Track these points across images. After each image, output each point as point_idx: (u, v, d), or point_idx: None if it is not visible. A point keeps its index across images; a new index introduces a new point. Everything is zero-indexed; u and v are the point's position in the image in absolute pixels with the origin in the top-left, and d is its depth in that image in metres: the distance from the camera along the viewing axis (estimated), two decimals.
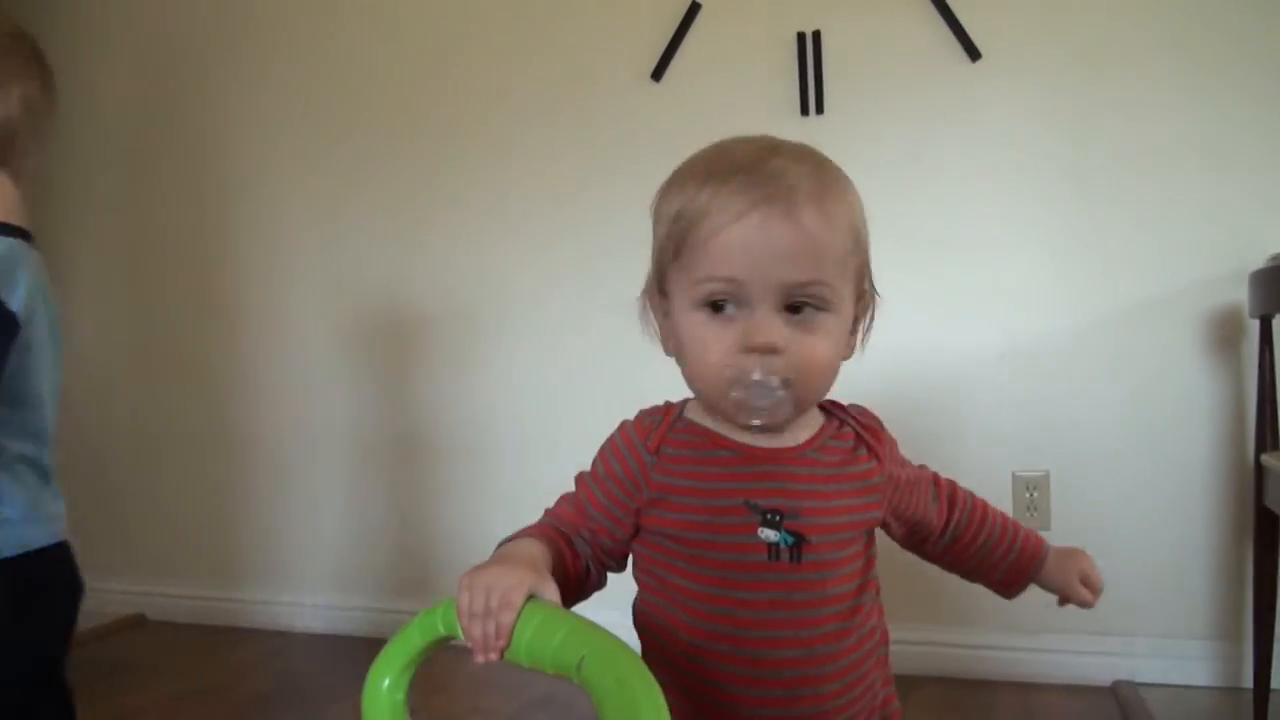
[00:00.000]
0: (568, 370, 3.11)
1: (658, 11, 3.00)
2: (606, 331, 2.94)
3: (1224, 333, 2.63)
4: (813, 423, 1.07)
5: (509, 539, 1.10)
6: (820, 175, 1.01)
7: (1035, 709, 2.60)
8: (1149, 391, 2.69)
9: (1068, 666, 2.74)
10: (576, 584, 1.10)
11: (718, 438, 1.07)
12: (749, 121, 2.85)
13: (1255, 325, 2.44)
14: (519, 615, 0.92)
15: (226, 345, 3.51)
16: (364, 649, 3.17)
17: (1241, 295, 2.54)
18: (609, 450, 1.12)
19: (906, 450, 2.51)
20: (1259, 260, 2.49)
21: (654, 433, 1.10)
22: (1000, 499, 2.71)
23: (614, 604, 1.21)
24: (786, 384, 0.98)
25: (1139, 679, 2.69)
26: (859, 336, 1.03)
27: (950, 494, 1.21)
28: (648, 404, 1.18)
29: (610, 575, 1.16)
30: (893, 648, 2.97)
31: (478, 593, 0.94)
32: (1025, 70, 2.75)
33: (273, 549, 3.47)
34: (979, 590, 2.81)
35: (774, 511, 1.01)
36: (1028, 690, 2.71)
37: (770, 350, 0.97)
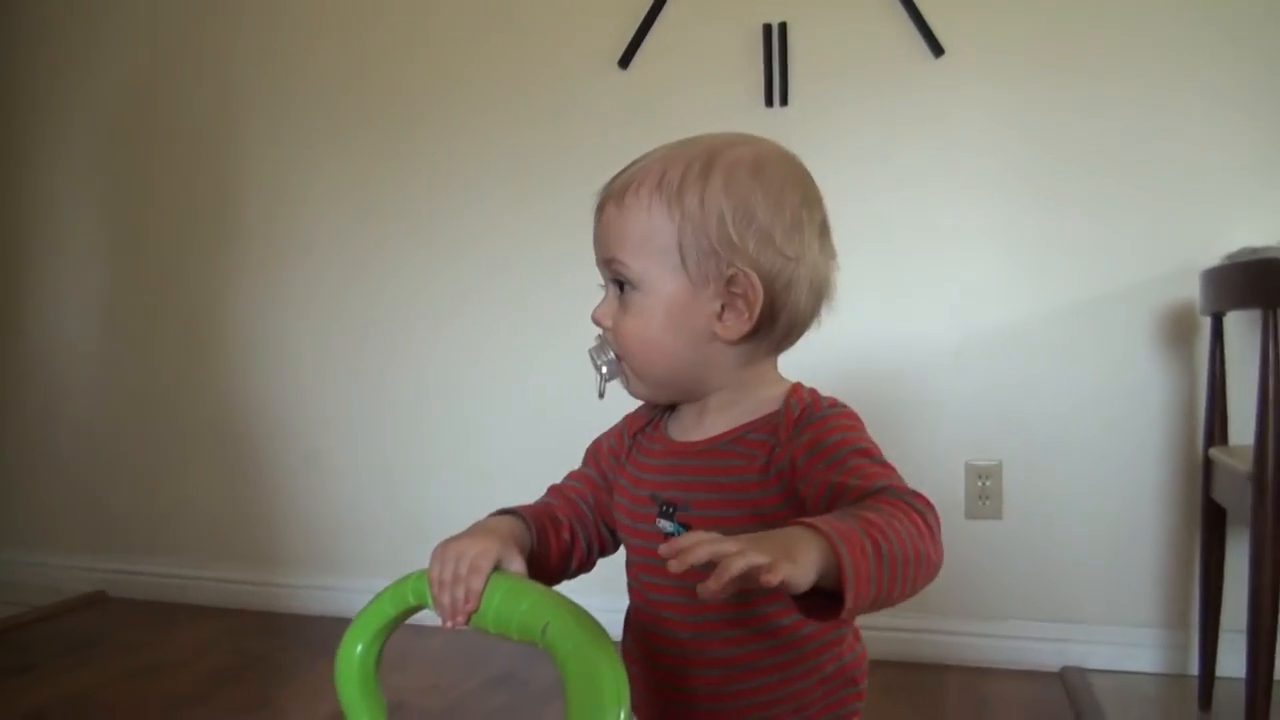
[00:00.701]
0: (519, 346, 3.16)
1: None
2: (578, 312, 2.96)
3: (1176, 329, 2.68)
4: (741, 414, 1.08)
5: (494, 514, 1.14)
6: (664, 168, 1.05)
7: (985, 693, 2.65)
8: (1102, 385, 2.74)
9: (1018, 652, 2.79)
10: (560, 560, 1.15)
11: (660, 432, 1.14)
12: (714, 111, 2.90)
13: (1207, 322, 2.49)
14: (487, 582, 0.97)
15: (184, 328, 3.52)
16: (319, 627, 3.20)
17: (1194, 293, 2.58)
18: (611, 429, 1.21)
19: None
20: (1212, 259, 2.55)
21: (639, 422, 1.18)
22: (954, 487, 2.80)
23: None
24: (618, 358, 1.07)
25: (1087, 665, 2.74)
26: (736, 318, 1.03)
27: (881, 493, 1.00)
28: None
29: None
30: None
31: (448, 561, 1.00)
32: (987, 67, 2.79)
33: (230, 528, 3.48)
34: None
35: (669, 503, 1.07)
36: (978, 675, 2.77)
37: (597, 323, 1.08)
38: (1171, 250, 2.68)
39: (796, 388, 1.10)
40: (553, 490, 1.23)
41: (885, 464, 1.00)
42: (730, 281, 1.02)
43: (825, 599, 0.82)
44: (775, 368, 1.13)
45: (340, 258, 3.33)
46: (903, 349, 2.87)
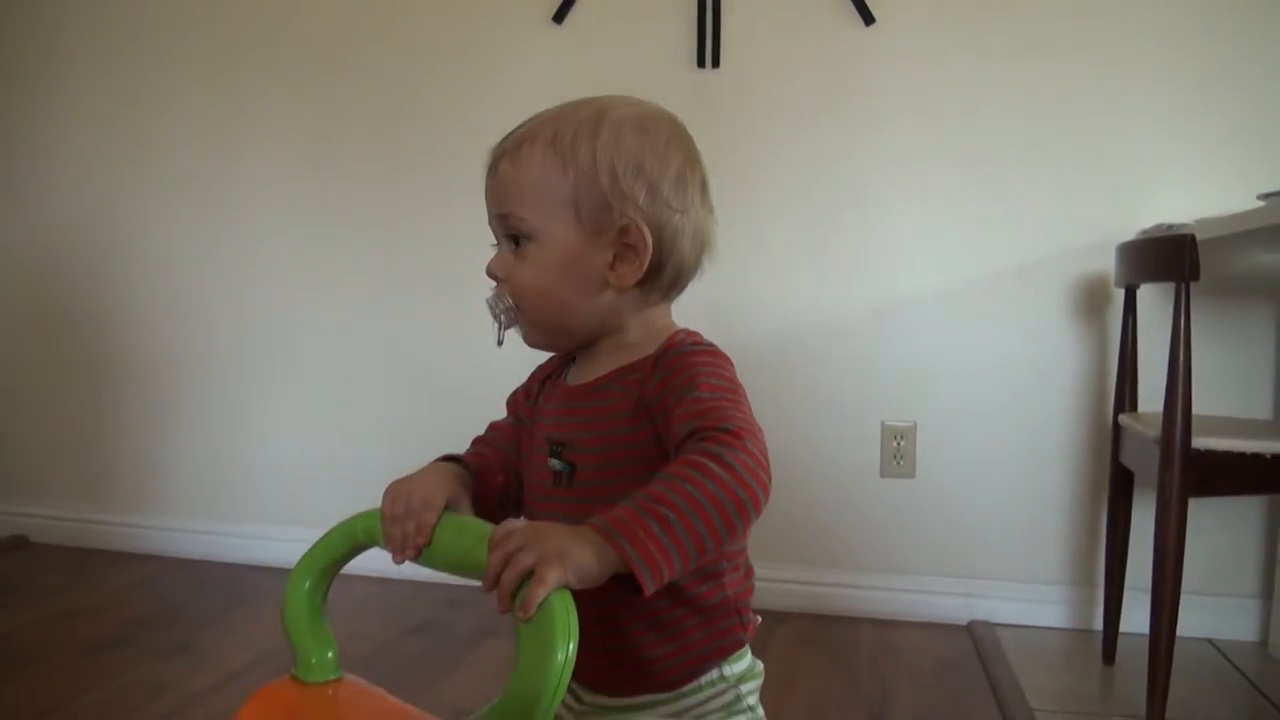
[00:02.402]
0: (459, 302, 3.15)
1: None
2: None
3: (1090, 300, 2.77)
4: (622, 357, 1.12)
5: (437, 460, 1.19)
6: (556, 125, 1.09)
7: (895, 644, 2.74)
8: (1017, 351, 2.83)
9: (927, 606, 2.89)
10: (498, 505, 1.18)
11: (561, 378, 1.19)
12: (646, 69, 2.93)
13: (1120, 294, 2.59)
14: (439, 517, 1.01)
15: (105, 274, 3.47)
16: (238, 575, 3.20)
17: (1107, 265, 2.67)
18: (528, 378, 1.25)
19: (781, 396, 2.63)
20: (1127, 233, 2.64)
21: (548, 369, 1.22)
22: (870, 447, 2.88)
23: None
24: (516, 308, 1.10)
25: (994, 619, 2.85)
26: (628, 267, 1.07)
27: (687, 447, 1.00)
28: None
29: None
30: (760, 584, 3.12)
31: (399, 498, 1.04)
32: (915, 39, 2.84)
33: (150, 475, 3.46)
34: (844, 532, 2.95)
35: (558, 443, 1.11)
36: (889, 627, 2.86)
37: (492, 276, 1.11)
38: (1088, 223, 2.77)
39: (675, 332, 1.14)
40: (479, 441, 1.26)
41: (713, 401, 1.01)
42: (622, 232, 1.06)
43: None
44: (667, 314, 1.17)
45: (256, 205, 3.32)
46: (825, 311, 2.93)
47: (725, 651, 1.11)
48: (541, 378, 1.22)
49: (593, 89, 3.13)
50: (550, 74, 3.02)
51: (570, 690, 1.13)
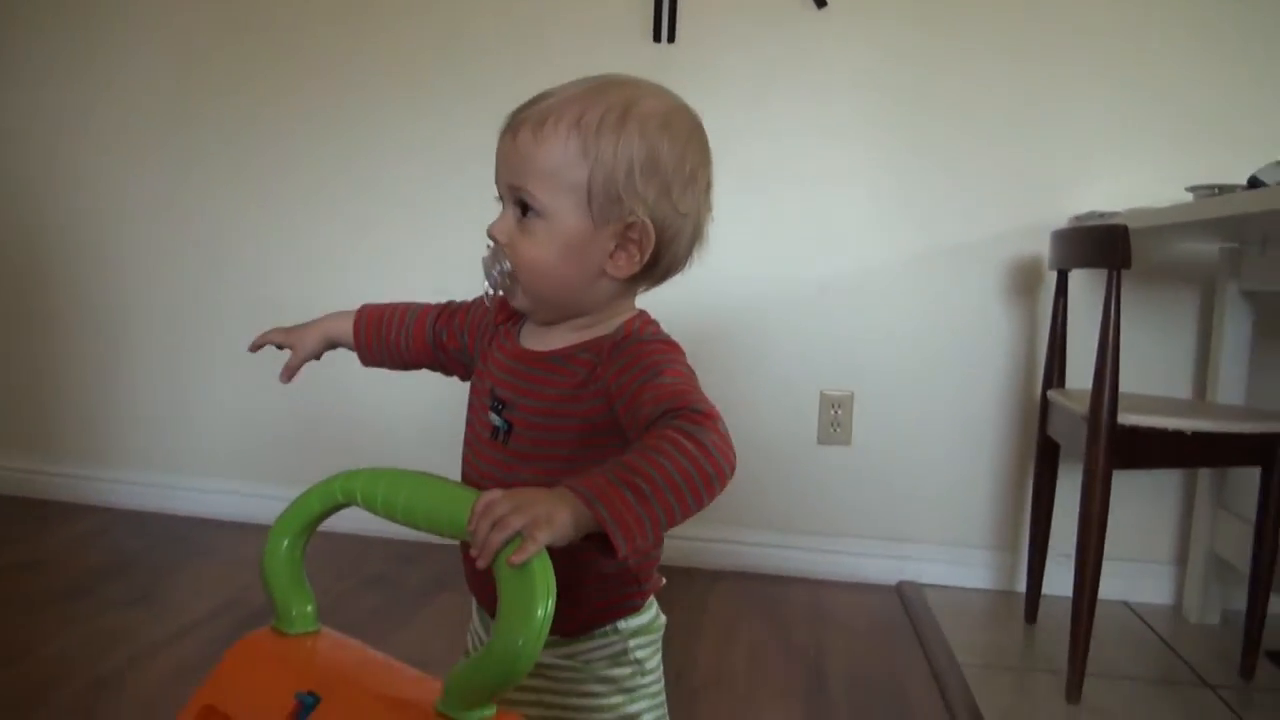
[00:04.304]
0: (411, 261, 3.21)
1: None
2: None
3: (1023, 281, 2.91)
4: (580, 335, 1.17)
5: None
6: (583, 108, 1.11)
7: (827, 603, 2.87)
8: (952, 328, 2.96)
9: (857, 567, 3.03)
10: (397, 346, 1.39)
11: (514, 334, 1.24)
12: (603, 42, 3.01)
13: (1053, 277, 2.72)
14: (422, 483, 1.04)
15: (48, 225, 3.45)
16: (189, 527, 3.23)
17: (1040, 248, 2.82)
18: (487, 297, 1.27)
19: (725, 364, 2.74)
20: (1060, 219, 2.79)
21: (505, 314, 1.26)
22: (808, 414, 3.00)
23: None
24: (512, 275, 1.13)
25: (922, 580, 3.00)
26: (627, 259, 1.12)
27: (660, 423, 1.06)
28: None
29: None
30: (697, 545, 3.21)
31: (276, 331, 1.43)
32: (865, 23, 2.94)
33: (98, 427, 3.48)
34: (781, 495, 3.07)
35: (500, 400, 1.18)
36: (820, 586, 2.99)
37: (493, 239, 1.13)
38: (1023, 208, 2.90)
39: (634, 317, 1.18)
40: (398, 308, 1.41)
41: (679, 386, 1.06)
42: (629, 227, 1.10)
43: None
44: (634, 298, 1.21)
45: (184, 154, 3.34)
46: (768, 283, 3.04)
47: (620, 613, 1.18)
48: (500, 320, 1.26)
49: (549, 60, 3.21)
50: (506, 46, 3.07)
51: (482, 620, 1.25)
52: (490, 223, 1.14)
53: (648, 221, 1.10)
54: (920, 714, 2.21)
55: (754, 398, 3.04)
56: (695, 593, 2.89)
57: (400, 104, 3.16)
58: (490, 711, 0.88)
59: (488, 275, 1.14)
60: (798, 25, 2.95)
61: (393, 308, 1.41)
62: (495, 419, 1.18)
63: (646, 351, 1.11)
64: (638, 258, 1.11)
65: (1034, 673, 2.47)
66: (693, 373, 1.10)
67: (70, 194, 3.42)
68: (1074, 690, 2.26)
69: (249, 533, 3.11)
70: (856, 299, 3.00)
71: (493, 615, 1.17)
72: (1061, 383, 2.67)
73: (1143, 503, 2.88)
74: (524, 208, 1.11)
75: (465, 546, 1.12)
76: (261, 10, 3.26)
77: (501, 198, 1.15)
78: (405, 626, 2.52)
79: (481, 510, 0.90)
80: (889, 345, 3.00)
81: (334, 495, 1.06)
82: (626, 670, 1.19)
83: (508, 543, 0.88)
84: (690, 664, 2.41)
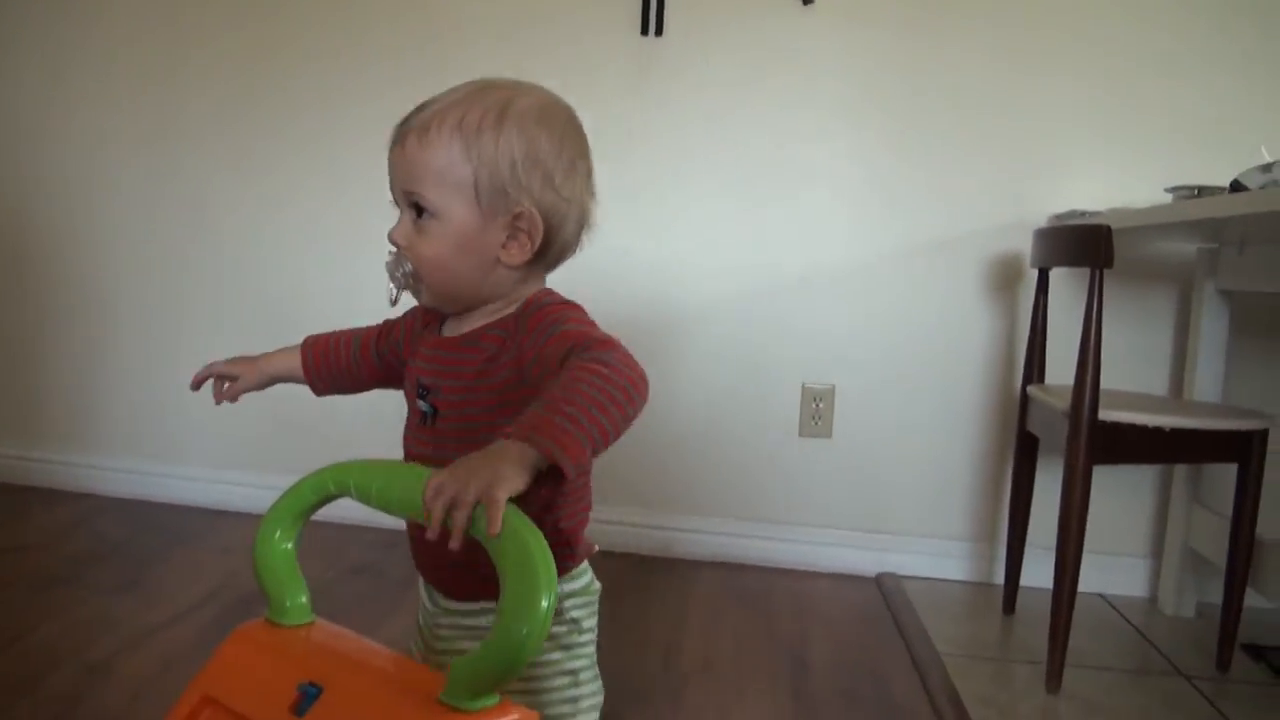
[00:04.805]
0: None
1: None
2: None
3: (1004, 277, 2.96)
4: (490, 317, 1.24)
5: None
6: (463, 111, 1.18)
7: (808, 593, 2.91)
8: (933, 321, 3.01)
9: (838, 558, 3.07)
10: (349, 371, 1.46)
11: (435, 327, 1.31)
12: (591, 34, 3.05)
13: (1032, 274, 2.77)
14: (426, 479, 1.06)
15: (37, 211, 3.45)
16: (174, 515, 3.23)
17: (1021, 245, 2.87)
18: (407, 314, 1.39)
19: (708, 355, 2.77)
20: (1040, 217, 2.85)
21: (427, 317, 1.34)
22: (790, 407, 3.04)
23: None
24: (415, 275, 1.20)
25: (901, 572, 3.04)
26: (518, 247, 1.19)
27: (569, 363, 1.12)
28: None
29: None
30: (680, 535, 3.25)
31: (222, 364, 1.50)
32: (851, 18, 2.96)
33: (82, 413, 3.48)
34: (762, 487, 3.11)
35: (425, 387, 1.26)
36: (800, 577, 3.04)
37: (394, 243, 1.21)
38: (1003, 205, 2.95)
39: (535, 292, 1.25)
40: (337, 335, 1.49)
41: (580, 329, 1.15)
42: (516, 217, 1.18)
43: (555, 471, 0.99)
44: (543, 282, 1.29)
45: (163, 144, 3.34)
46: (751, 275, 3.07)
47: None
48: (423, 324, 1.34)
49: (538, 53, 3.23)
50: (496, 34, 3.09)
51: (428, 593, 1.30)
52: (389, 230, 1.20)
53: (534, 210, 1.18)
54: (902, 703, 2.25)
55: (736, 390, 3.08)
56: (678, 582, 2.93)
57: (389, 96, 3.08)
58: (493, 701, 0.90)
59: (392, 278, 1.21)
60: (784, 20, 2.98)
61: (336, 337, 1.49)
62: (423, 405, 1.25)
63: (548, 314, 1.19)
64: (528, 245, 1.19)
65: (1013, 663, 2.51)
66: (593, 323, 1.18)
67: (55, 180, 3.42)
68: (1054, 680, 2.31)
69: (233, 520, 3.15)
70: (839, 293, 3.04)
71: (443, 593, 1.27)
72: (1041, 378, 2.71)
73: (1119, 497, 2.93)
74: (419, 210, 1.18)
75: (413, 527, 1.21)
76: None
77: (397, 204, 1.22)
78: (392, 615, 2.54)
79: (432, 495, 0.94)
80: (870, 339, 3.04)
81: (326, 487, 1.09)
82: (563, 628, 1.24)
83: (471, 519, 0.91)
84: (677, 651, 2.45)
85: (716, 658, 2.43)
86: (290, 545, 1.11)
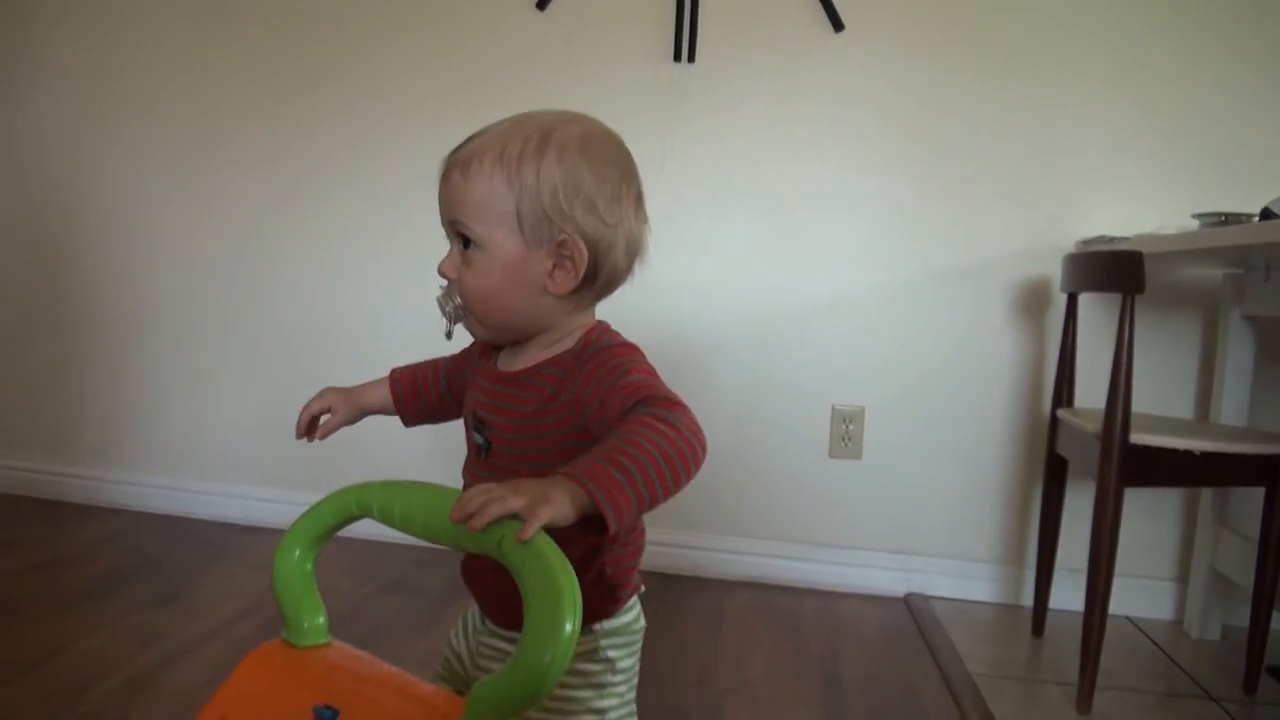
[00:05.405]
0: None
1: None
2: None
3: (1031, 301, 2.99)
4: (546, 352, 1.26)
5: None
6: (504, 143, 1.21)
7: (838, 613, 2.94)
8: (962, 346, 3.04)
9: (867, 579, 3.10)
10: (440, 402, 1.48)
11: (492, 360, 1.33)
12: (625, 60, 3.09)
13: (1063, 298, 2.80)
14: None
15: (77, 227, 3.50)
16: (208, 531, 3.27)
17: (1049, 269, 2.91)
18: (469, 346, 1.42)
19: (738, 378, 2.80)
20: (1068, 242, 2.88)
21: (487, 349, 1.35)
22: (819, 428, 3.06)
23: None
24: (464, 308, 1.23)
25: (930, 593, 3.07)
26: (564, 276, 1.20)
27: (635, 412, 1.14)
28: None
29: None
30: (712, 555, 3.26)
31: (313, 400, 1.46)
32: (880, 46, 3.01)
33: (117, 428, 3.52)
34: (792, 508, 3.13)
35: (480, 420, 1.28)
36: (830, 597, 3.06)
37: (444, 275, 1.24)
38: (1032, 230, 2.98)
39: (592, 328, 1.26)
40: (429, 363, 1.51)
41: (648, 381, 1.15)
42: (560, 245, 1.18)
43: (600, 520, 0.99)
44: (592, 312, 1.30)
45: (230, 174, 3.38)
46: (782, 300, 3.10)
47: (594, 617, 1.26)
48: (482, 356, 1.35)
49: (571, 77, 3.27)
50: (531, 60, 3.12)
51: (479, 614, 1.32)
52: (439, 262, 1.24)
53: (578, 238, 1.19)
54: None
55: (767, 412, 3.11)
56: (710, 601, 2.96)
57: (425, 118, 3.21)
58: None
59: (443, 312, 1.24)
60: (814, 48, 3.03)
61: (422, 368, 1.51)
62: (478, 437, 1.28)
63: (609, 357, 1.19)
64: (574, 274, 1.20)
65: (1043, 684, 2.54)
66: (654, 370, 1.19)
67: (90, 199, 3.48)
68: (1084, 701, 2.33)
69: (267, 536, 3.17)
70: (869, 316, 3.07)
71: (491, 617, 1.30)
72: (1070, 402, 2.74)
73: (1146, 521, 2.96)
74: (466, 242, 1.21)
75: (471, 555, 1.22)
76: (280, 11, 3.33)
77: (448, 236, 1.24)
78: (427, 631, 2.56)
79: (478, 492, 0.95)
80: (901, 362, 3.07)
81: (348, 507, 1.09)
82: (597, 667, 1.25)
83: (505, 522, 0.92)
84: (711, 670, 2.47)
85: (750, 676, 2.46)
86: (309, 566, 1.11)
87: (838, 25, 3.00)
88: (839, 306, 3.08)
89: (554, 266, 1.20)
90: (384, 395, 1.50)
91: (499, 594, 1.25)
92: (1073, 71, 2.95)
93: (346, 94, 3.29)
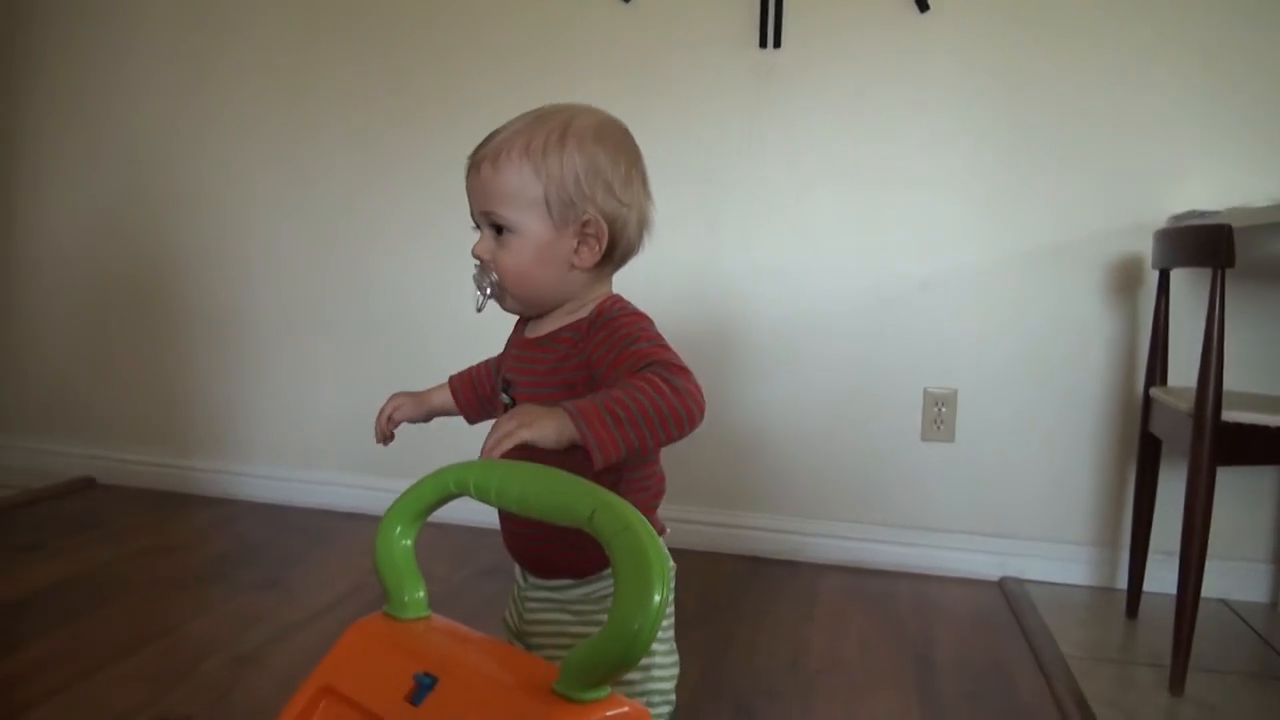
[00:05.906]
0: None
1: None
2: None
3: (1123, 279, 2.95)
4: (566, 319, 1.39)
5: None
6: (528, 137, 1.34)
7: (932, 596, 2.94)
8: (1053, 325, 3.01)
9: (961, 562, 3.09)
10: (488, 398, 1.61)
11: (520, 329, 1.48)
12: (711, 48, 3.09)
13: (1154, 275, 2.77)
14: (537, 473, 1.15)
15: (184, 217, 3.60)
16: (310, 518, 3.34)
17: (1141, 246, 2.88)
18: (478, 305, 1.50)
19: (831, 361, 2.80)
20: (1159, 217, 2.84)
21: (521, 322, 1.49)
22: (912, 411, 3.06)
23: None
24: (499, 284, 1.37)
25: (1025, 576, 3.05)
26: (589, 251, 1.34)
27: (643, 369, 1.27)
28: None
29: None
30: (805, 539, 3.27)
31: (386, 405, 1.64)
32: (967, 25, 2.99)
33: (220, 419, 3.62)
34: (886, 491, 3.12)
35: (507, 381, 1.44)
36: (924, 581, 3.06)
37: (478, 258, 1.38)
38: (1124, 206, 2.94)
39: (606, 299, 1.40)
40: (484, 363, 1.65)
41: (655, 348, 1.29)
42: (584, 224, 1.34)
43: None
44: (610, 284, 1.44)
45: (320, 172, 3.46)
46: (873, 282, 3.10)
47: None
48: (514, 330, 1.50)
49: (660, 67, 3.29)
50: (617, 51, 3.15)
51: (521, 573, 1.46)
52: (472, 246, 1.38)
53: (599, 217, 1.34)
54: (1028, 703, 2.26)
55: (859, 395, 3.11)
56: (804, 584, 2.98)
57: (517, 109, 3.21)
58: (604, 693, 0.92)
59: (479, 288, 1.38)
60: (899, 28, 3.02)
61: (476, 368, 1.66)
62: (505, 398, 1.43)
63: (620, 326, 1.34)
64: (597, 248, 1.35)
65: (1137, 666, 2.52)
66: (662, 337, 1.34)
67: (195, 196, 3.59)
68: (1177, 683, 2.31)
69: (366, 523, 3.22)
70: (960, 298, 3.06)
71: (531, 572, 1.44)
72: (1164, 380, 2.72)
73: (1241, 502, 2.91)
74: (498, 228, 1.35)
75: (504, 518, 1.37)
76: (372, 7, 3.39)
77: (478, 225, 1.39)
78: None
79: (496, 428, 1.15)
80: (991, 343, 3.05)
81: (446, 485, 1.11)
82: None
83: (596, 497, 0.99)
84: (805, 650, 2.49)
85: (843, 658, 2.47)
86: (409, 542, 1.14)
87: (923, 6, 2.99)
88: (929, 288, 3.07)
89: (579, 244, 1.35)
90: (446, 397, 1.65)
91: (540, 555, 1.41)
92: (1158, 46, 2.91)
93: (435, 96, 3.35)
